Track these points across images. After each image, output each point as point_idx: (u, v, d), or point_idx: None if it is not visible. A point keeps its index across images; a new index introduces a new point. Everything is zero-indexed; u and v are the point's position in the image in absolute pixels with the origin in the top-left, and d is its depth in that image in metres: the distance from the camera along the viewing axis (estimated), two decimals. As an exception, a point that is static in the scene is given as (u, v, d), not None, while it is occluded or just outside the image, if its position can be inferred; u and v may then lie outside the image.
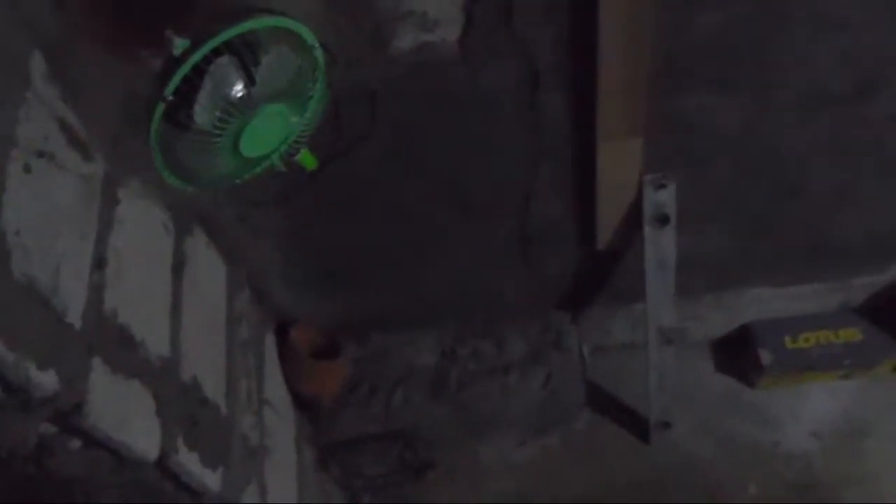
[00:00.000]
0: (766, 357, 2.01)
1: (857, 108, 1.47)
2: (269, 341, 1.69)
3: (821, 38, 1.32)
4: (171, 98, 0.83)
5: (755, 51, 1.34)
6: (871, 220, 1.77)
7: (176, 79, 0.82)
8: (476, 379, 1.90)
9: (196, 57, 0.83)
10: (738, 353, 2.11)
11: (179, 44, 0.82)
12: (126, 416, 1.02)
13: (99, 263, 1.01)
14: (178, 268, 1.28)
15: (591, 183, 1.54)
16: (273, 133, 0.91)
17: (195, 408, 1.27)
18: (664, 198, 1.56)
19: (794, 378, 2.06)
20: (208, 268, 1.41)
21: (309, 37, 0.89)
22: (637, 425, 2.01)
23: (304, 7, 1.03)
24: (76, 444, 0.95)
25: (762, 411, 2.08)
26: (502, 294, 1.87)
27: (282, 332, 1.74)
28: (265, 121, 0.88)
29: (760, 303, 2.02)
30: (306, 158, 1.05)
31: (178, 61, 0.83)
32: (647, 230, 1.58)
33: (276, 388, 1.64)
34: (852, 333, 2.04)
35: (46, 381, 0.85)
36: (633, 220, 1.61)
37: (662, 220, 1.57)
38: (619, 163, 1.49)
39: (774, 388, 2.09)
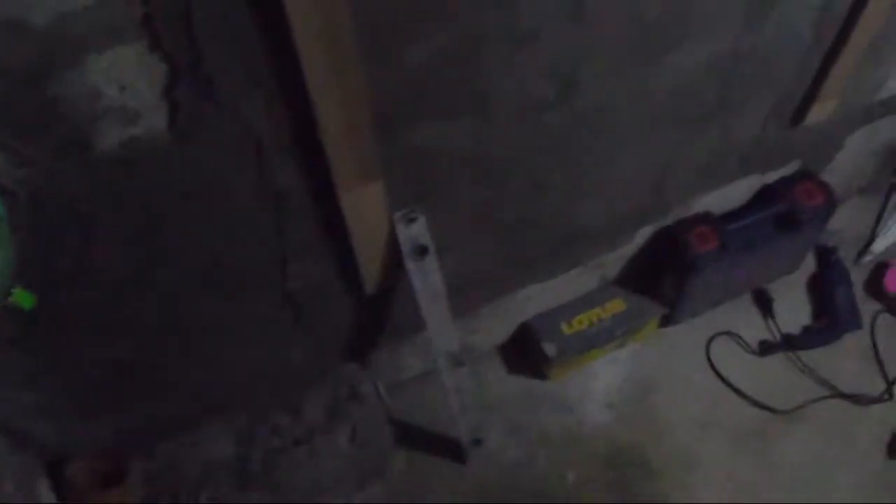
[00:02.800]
0: (549, 349, 2.10)
1: (565, 106, 1.57)
2: (44, 487, 1.52)
3: (521, 52, 1.40)
4: None
5: (468, 73, 1.38)
6: (604, 201, 1.91)
7: None
8: (281, 454, 1.82)
9: None
10: (525, 352, 2.19)
11: None
12: None
13: None
14: None
15: (345, 232, 1.52)
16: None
17: None
18: (417, 230, 1.57)
19: (579, 360, 2.18)
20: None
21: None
22: (451, 449, 2.03)
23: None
24: None
25: (560, 399, 2.18)
26: (287, 363, 1.81)
27: (58, 472, 1.56)
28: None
29: (533, 300, 2.10)
30: (22, 298, 0.94)
31: None
32: (409, 265, 1.59)
33: (62, 537, 1.48)
34: (617, 304, 2.19)
35: None
36: (393, 257, 1.62)
37: (421, 251, 1.58)
38: (365, 208, 1.49)
39: (565, 374, 2.19)
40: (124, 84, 1.10)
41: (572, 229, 1.95)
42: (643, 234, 2.13)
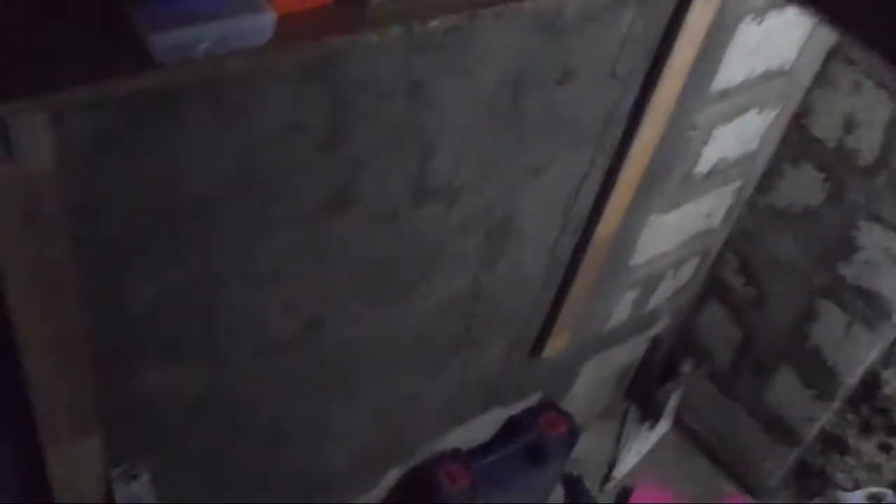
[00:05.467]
0: None
1: (307, 347, 1.59)
2: None
3: (259, 292, 1.41)
4: None
5: (200, 315, 1.37)
6: (348, 444, 1.91)
7: None
8: None
9: None
10: None
11: None
12: None
13: None
14: None
15: (51, 496, 1.37)
16: None
17: None
18: (138, 489, 1.46)
19: None
20: None
21: None
22: None
23: None
24: None
25: None
26: None
27: None
28: None
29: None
30: None
31: None
32: (131, 531, 1.45)
33: None
34: (367, 557, 2.12)
35: None
36: (110, 523, 1.47)
37: (143, 514, 1.46)
38: (77, 466, 1.36)
39: None
40: None
41: (316, 476, 1.91)
42: (391, 478, 2.12)
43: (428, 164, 1.46)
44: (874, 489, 2.41)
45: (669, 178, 2.01)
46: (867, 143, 2.06)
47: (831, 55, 2.06)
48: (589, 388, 2.59)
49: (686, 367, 2.71)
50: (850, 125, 2.08)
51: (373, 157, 1.36)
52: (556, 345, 2.17)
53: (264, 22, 0.81)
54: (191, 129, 1.11)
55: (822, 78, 2.10)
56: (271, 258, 1.38)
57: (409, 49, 1.23)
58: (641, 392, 2.79)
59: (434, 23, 0.94)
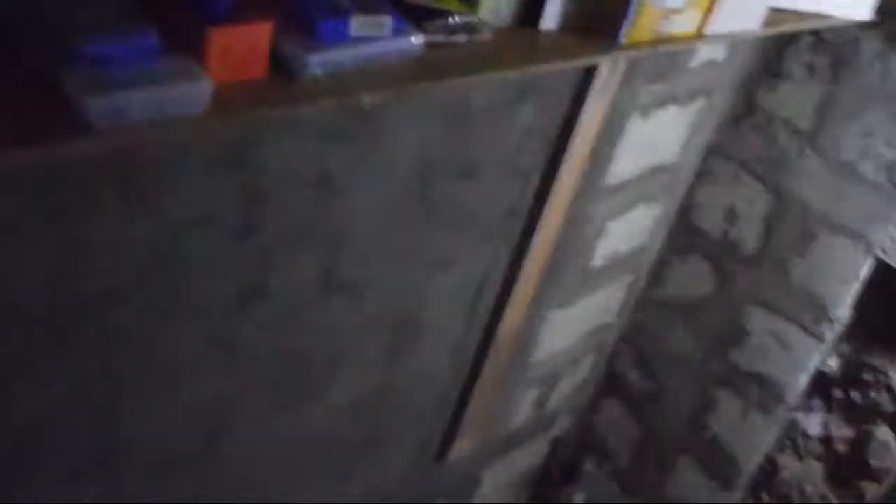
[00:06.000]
0: None
1: (210, 454, 1.52)
2: None
3: (160, 397, 1.34)
4: None
5: (95, 426, 1.28)
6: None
7: None
8: None
9: None
10: None
11: None
12: None
13: None
14: None
15: None
16: None
17: None
18: None
19: None
20: None
21: None
22: None
23: None
24: None
25: None
26: None
27: None
28: None
29: None
30: None
31: None
32: None
33: None
34: None
35: None
36: None
37: None
38: None
39: None
40: None
41: None
42: None
43: (337, 257, 1.44)
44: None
45: (567, 272, 2.06)
46: (748, 234, 2.19)
47: (711, 150, 2.20)
48: (491, 494, 2.55)
49: (588, 467, 2.72)
50: (731, 217, 2.21)
51: (283, 249, 1.34)
52: (461, 447, 2.14)
53: (202, 90, 0.80)
54: (97, 217, 1.06)
55: (703, 172, 2.23)
56: (176, 358, 1.31)
57: (321, 137, 1.24)
58: (544, 495, 2.77)
59: (366, 97, 0.94)
